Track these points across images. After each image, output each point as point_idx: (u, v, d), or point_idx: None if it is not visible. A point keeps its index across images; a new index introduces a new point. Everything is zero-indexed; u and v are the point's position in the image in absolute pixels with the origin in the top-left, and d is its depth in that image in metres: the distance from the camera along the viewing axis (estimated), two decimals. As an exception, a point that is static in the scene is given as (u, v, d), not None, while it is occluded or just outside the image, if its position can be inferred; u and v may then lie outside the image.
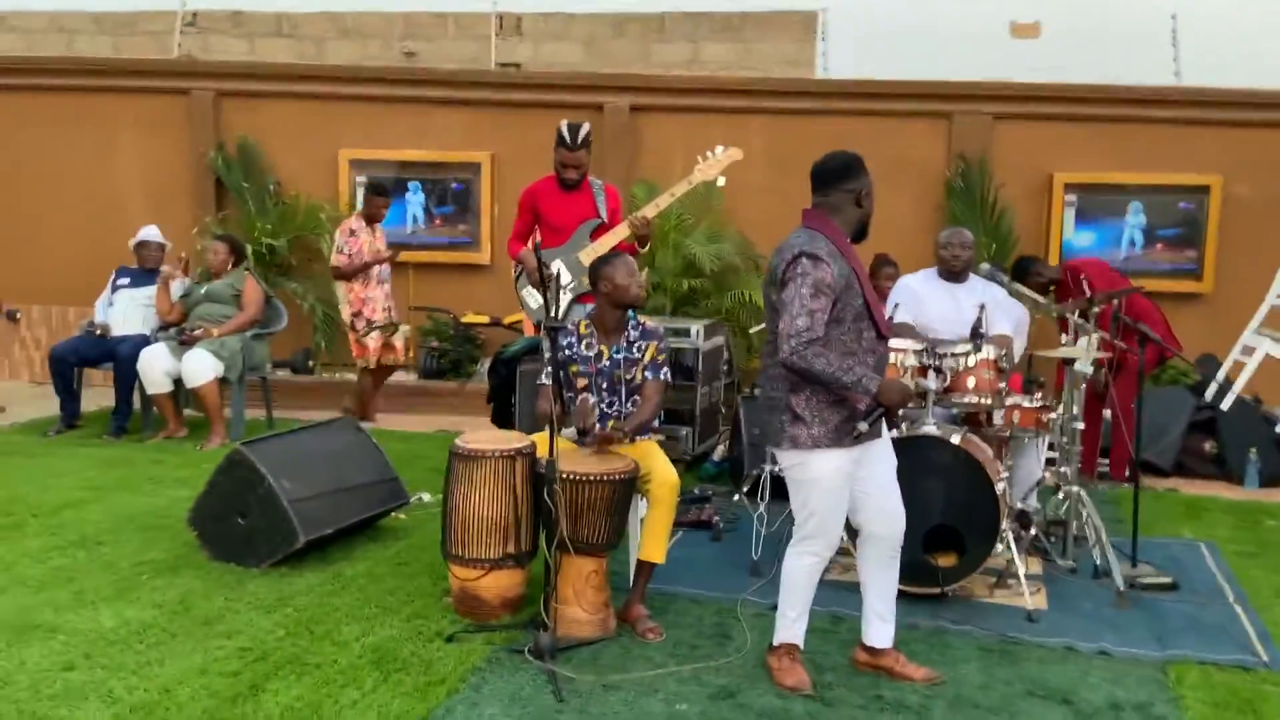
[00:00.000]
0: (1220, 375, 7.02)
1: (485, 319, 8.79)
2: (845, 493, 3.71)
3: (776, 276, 3.62)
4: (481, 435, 4.32)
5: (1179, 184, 8.83)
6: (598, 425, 4.50)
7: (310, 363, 9.29)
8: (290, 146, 9.49)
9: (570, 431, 4.22)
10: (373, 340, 7.79)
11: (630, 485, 4.15)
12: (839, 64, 10.60)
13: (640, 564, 4.31)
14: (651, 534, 4.26)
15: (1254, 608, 4.63)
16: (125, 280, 7.65)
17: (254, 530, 4.70)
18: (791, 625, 3.80)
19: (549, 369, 4.25)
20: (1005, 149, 8.99)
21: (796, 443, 3.61)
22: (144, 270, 7.58)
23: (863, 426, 3.56)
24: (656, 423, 4.67)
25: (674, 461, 6.65)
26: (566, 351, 4.58)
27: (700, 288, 8.73)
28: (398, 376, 9.39)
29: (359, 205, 9.39)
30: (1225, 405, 6.81)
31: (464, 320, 8.99)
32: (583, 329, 4.63)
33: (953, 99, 9.11)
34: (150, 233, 7.69)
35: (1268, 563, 5.27)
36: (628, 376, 4.54)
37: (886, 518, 3.81)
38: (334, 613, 4.25)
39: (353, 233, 7.74)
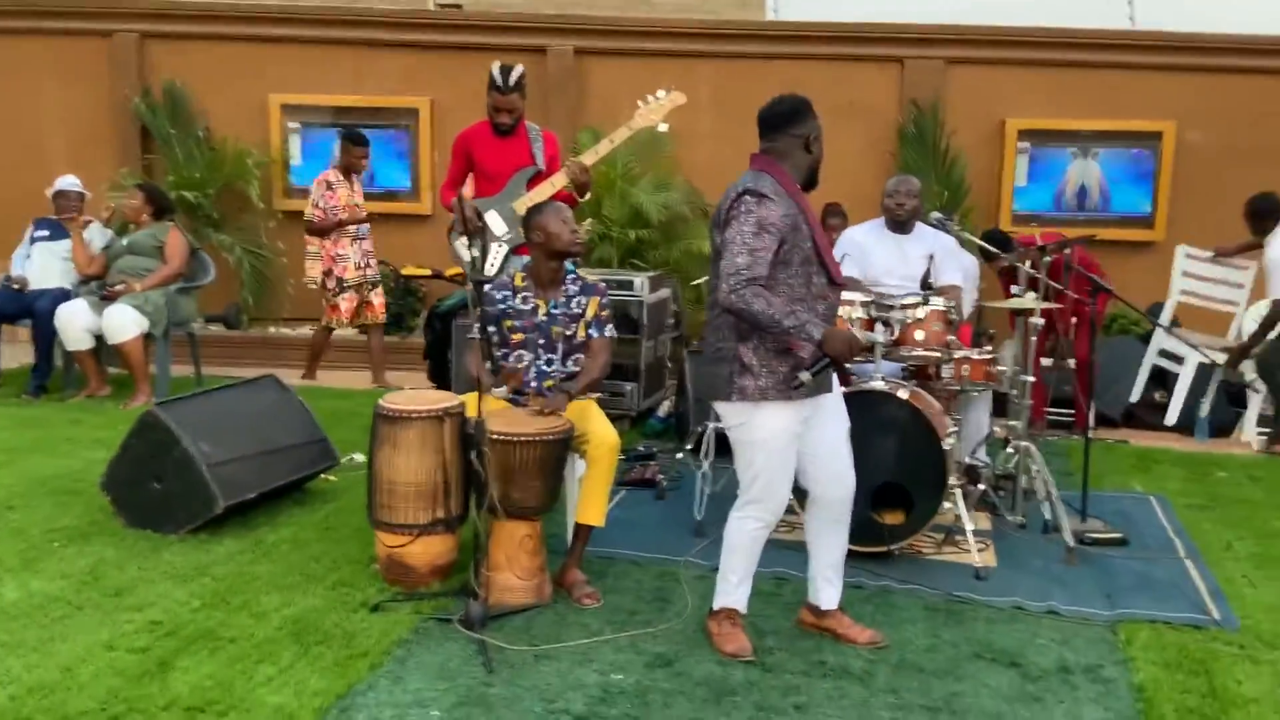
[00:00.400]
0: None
1: (426, 271, 8.49)
2: (792, 454, 3.54)
3: (721, 216, 3.44)
4: (407, 395, 4.10)
5: (1132, 130, 8.70)
6: (534, 386, 4.30)
7: (242, 317, 8.95)
8: (219, 91, 9.09)
9: (503, 390, 4.01)
10: (345, 301, 7.47)
11: (564, 445, 3.96)
12: (790, 7, 10.32)
13: (578, 527, 4.13)
14: (589, 496, 4.08)
15: (1206, 563, 4.55)
16: (44, 232, 7.29)
17: (170, 496, 4.46)
18: (733, 590, 3.65)
19: (477, 325, 4.01)
20: (958, 94, 8.80)
21: (745, 394, 3.43)
22: (62, 222, 7.22)
23: (804, 377, 3.36)
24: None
25: (618, 418, 6.56)
26: (501, 306, 4.37)
27: (647, 238, 8.51)
28: (337, 332, 9.13)
29: (291, 152, 9.10)
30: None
31: (404, 273, 8.70)
32: (519, 282, 4.41)
33: (905, 43, 8.90)
34: (68, 182, 7.31)
35: (1219, 516, 5.20)
36: (567, 333, 4.33)
37: (835, 481, 3.66)
38: (253, 582, 4.04)
39: (329, 186, 7.39)
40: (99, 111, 9.13)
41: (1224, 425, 6.97)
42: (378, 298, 7.65)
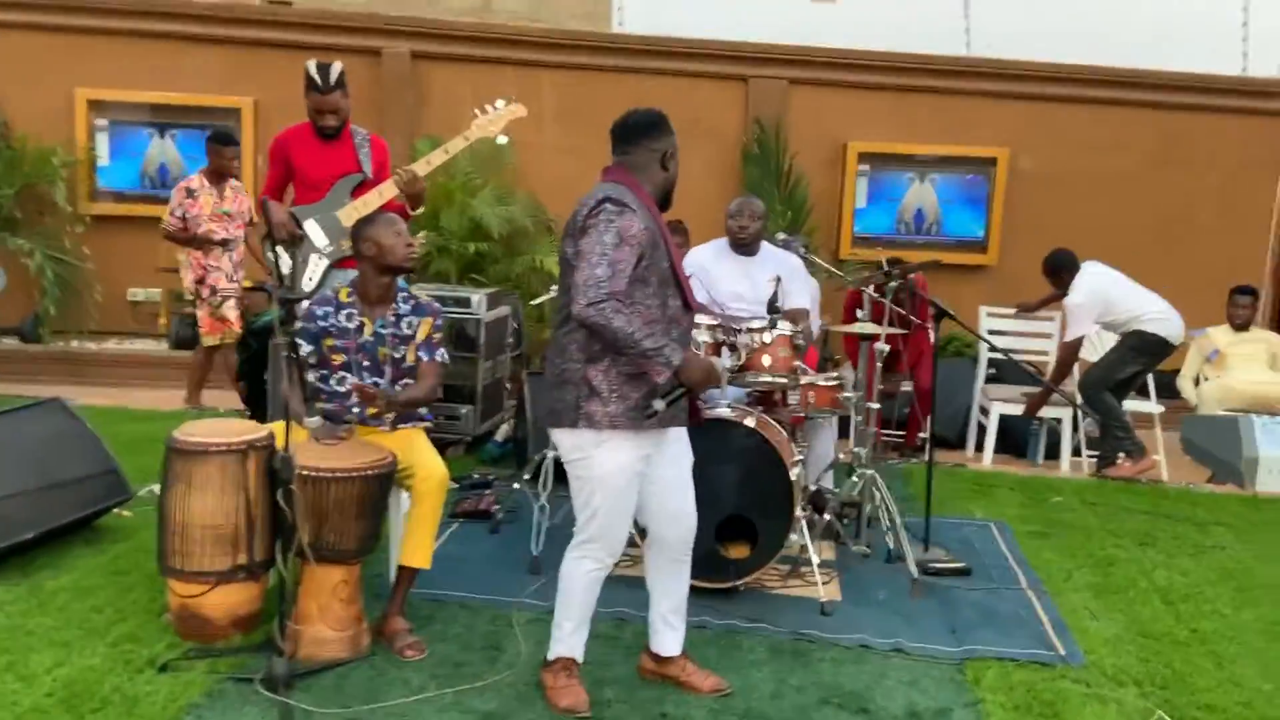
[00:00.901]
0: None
1: (247, 283, 7.93)
2: (633, 491, 3.29)
3: (576, 225, 3.16)
4: (206, 425, 3.68)
5: (968, 155, 8.84)
6: (355, 413, 3.93)
7: (40, 329, 8.20)
8: (20, 84, 8.33)
9: (316, 420, 3.63)
10: (230, 311, 6.87)
11: (385, 481, 3.61)
12: (635, 21, 10.17)
13: (401, 570, 3.78)
14: (414, 536, 3.74)
15: (1047, 592, 4.51)
16: None
17: (-70, 538, 3.91)
18: (568, 637, 3.37)
19: (285, 344, 3.62)
20: (801, 115, 8.79)
21: (592, 421, 3.16)
22: None
23: (659, 406, 3.12)
24: (425, 411, 4.12)
25: (453, 443, 6.21)
26: (322, 323, 3.99)
27: (488, 252, 8.16)
28: (145, 346, 8.51)
29: (99, 151, 8.42)
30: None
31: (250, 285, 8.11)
32: (344, 297, 4.04)
33: (749, 61, 8.84)
34: None
35: (1058, 543, 5.20)
36: (395, 355, 3.98)
37: (677, 519, 3.42)
38: (24, 638, 3.54)
39: (190, 193, 6.75)
40: (-121, 104, 8.25)
41: (1055, 445, 7.07)
42: (233, 311, 7.01)
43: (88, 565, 4.18)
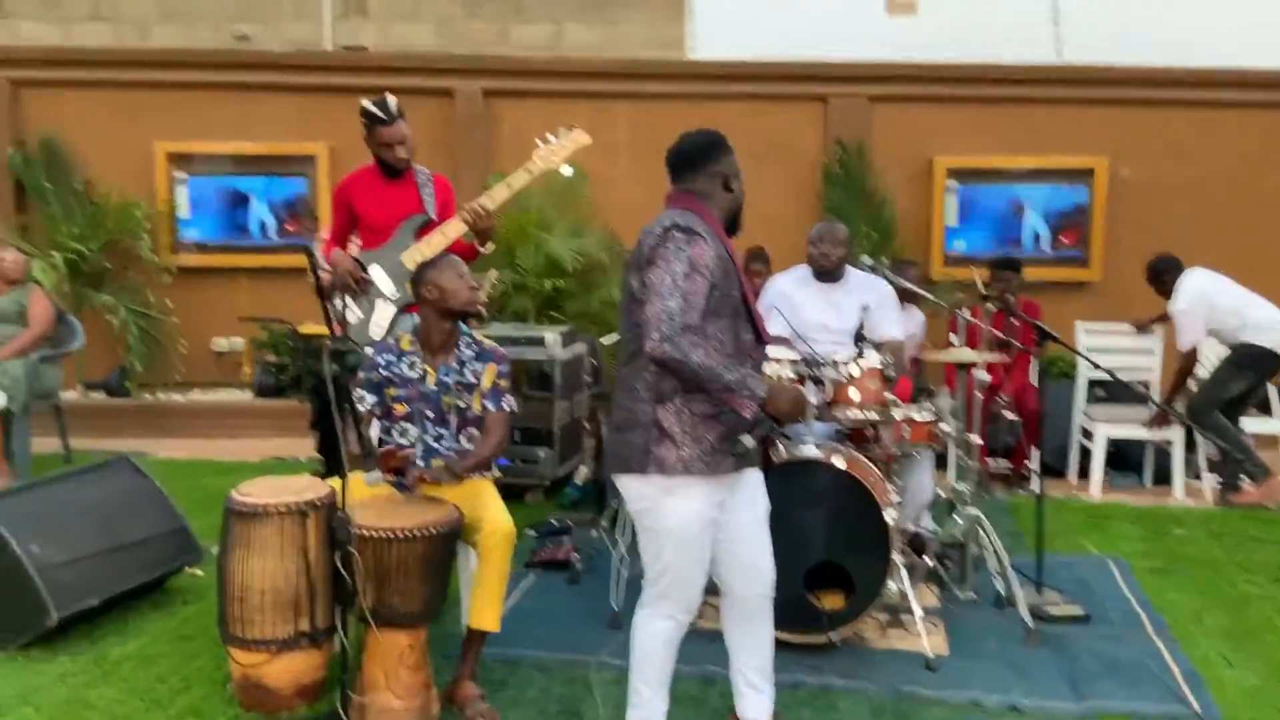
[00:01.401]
0: None
1: (327, 330, 7.87)
2: (706, 542, 3.03)
3: (641, 257, 2.94)
4: (266, 484, 3.51)
5: (1063, 167, 8.42)
6: (421, 465, 3.75)
7: (126, 383, 8.26)
8: (101, 140, 8.42)
9: (375, 476, 3.44)
10: None
11: (450, 540, 3.40)
12: (710, 46, 9.94)
13: (469, 632, 3.56)
14: (480, 596, 3.52)
15: (1175, 638, 4.11)
16: (-105, 297, 6.57)
17: (-4, 605, 3.82)
18: (646, 704, 3.11)
19: (334, 396, 3.40)
20: (884, 133, 8.47)
21: (664, 466, 2.91)
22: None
23: (748, 442, 2.89)
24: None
25: (531, 488, 6.01)
26: (384, 372, 3.83)
27: (564, 288, 8.00)
28: (230, 395, 8.51)
29: (179, 203, 8.48)
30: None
31: (303, 331, 8.07)
32: (405, 344, 3.88)
33: (828, 80, 8.55)
34: (-77, 243, 6.62)
35: (1183, 581, 4.78)
36: (460, 404, 3.80)
37: (752, 574, 3.16)
38: (85, 712, 3.42)
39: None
40: (-31, 166, 8.41)
41: (1164, 469, 6.60)
42: None
43: (155, 630, 4.06)
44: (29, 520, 3.92)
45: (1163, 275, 6.38)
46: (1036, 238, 8.48)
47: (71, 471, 4.47)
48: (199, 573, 4.55)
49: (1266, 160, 8.34)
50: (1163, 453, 6.56)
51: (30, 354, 6.26)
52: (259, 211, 8.61)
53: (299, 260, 8.05)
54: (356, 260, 4.68)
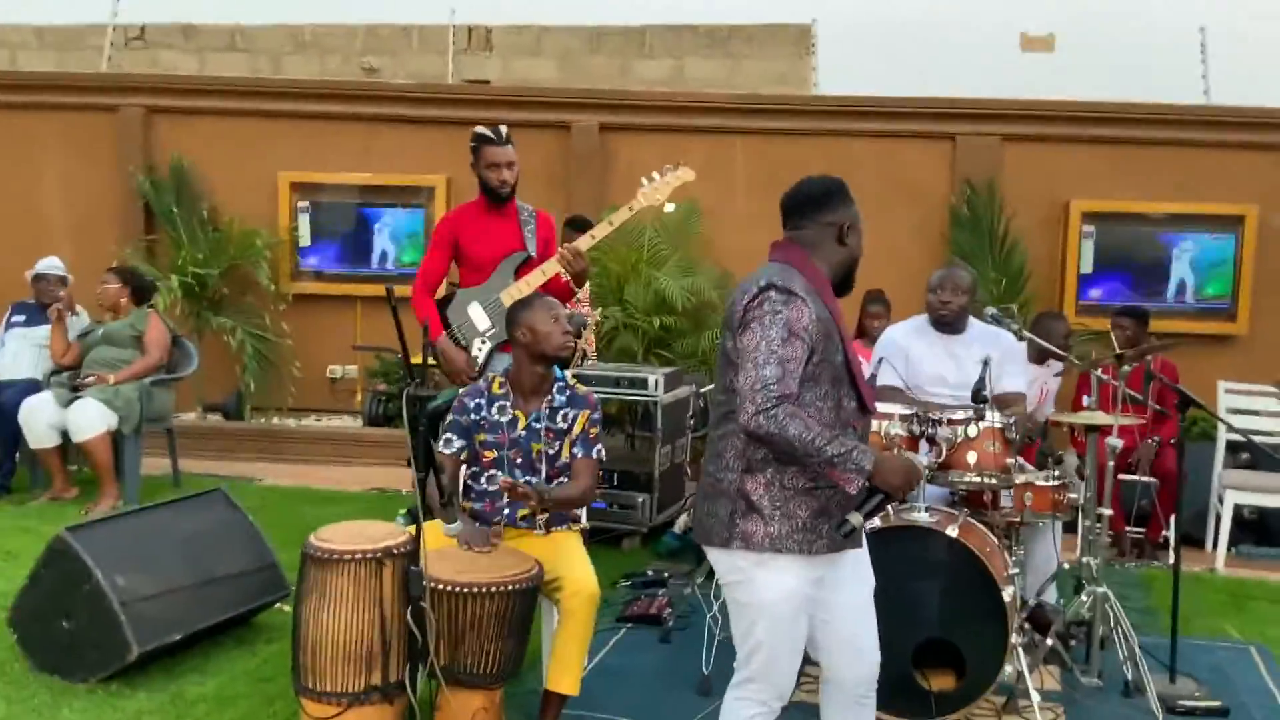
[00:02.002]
0: None
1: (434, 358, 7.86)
2: (802, 621, 2.78)
3: (735, 318, 2.72)
4: (345, 529, 3.39)
5: (1211, 213, 7.90)
6: (506, 514, 3.60)
7: (242, 406, 8.38)
8: (227, 168, 8.62)
9: (457, 526, 3.29)
10: None
11: (530, 596, 3.24)
12: (834, 80, 9.74)
13: (547, 695, 3.38)
14: (560, 657, 3.34)
15: (1328, 745, 3.69)
16: (20, 317, 6.77)
17: (79, 637, 3.79)
18: (733, 793, 2.87)
19: (416, 441, 3.25)
20: (1016, 174, 8.08)
21: (749, 542, 2.68)
22: (42, 306, 6.69)
23: (856, 520, 2.63)
24: (581, 512, 3.76)
25: (628, 534, 5.83)
26: (474, 416, 3.69)
27: (674, 326, 7.82)
28: (343, 423, 8.57)
29: (301, 232, 8.60)
30: None
31: (414, 361, 8.06)
32: (495, 388, 3.74)
33: (957, 118, 8.22)
34: (49, 264, 6.81)
35: (1335, 676, 4.32)
36: (550, 451, 3.64)
37: (856, 657, 2.89)
38: (156, 755, 3.33)
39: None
40: (102, 189, 8.65)
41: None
42: None
43: (235, 669, 3.98)
44: (118, 551, 3.89)
45: None
46: (1181, 288, 7.96)
47: (167, 502, 4.45)
48: (287, 609, 4.46)
49: None
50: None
51: (143, 379, 6.34)
52: (379, 241, 8.69)
53: (406, 289, 8.14)
54: (470, 359, 4.56)
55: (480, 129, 4.58)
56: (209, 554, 4.19)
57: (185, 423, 7.89)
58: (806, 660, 2.92)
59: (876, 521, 2.71)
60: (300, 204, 8.63)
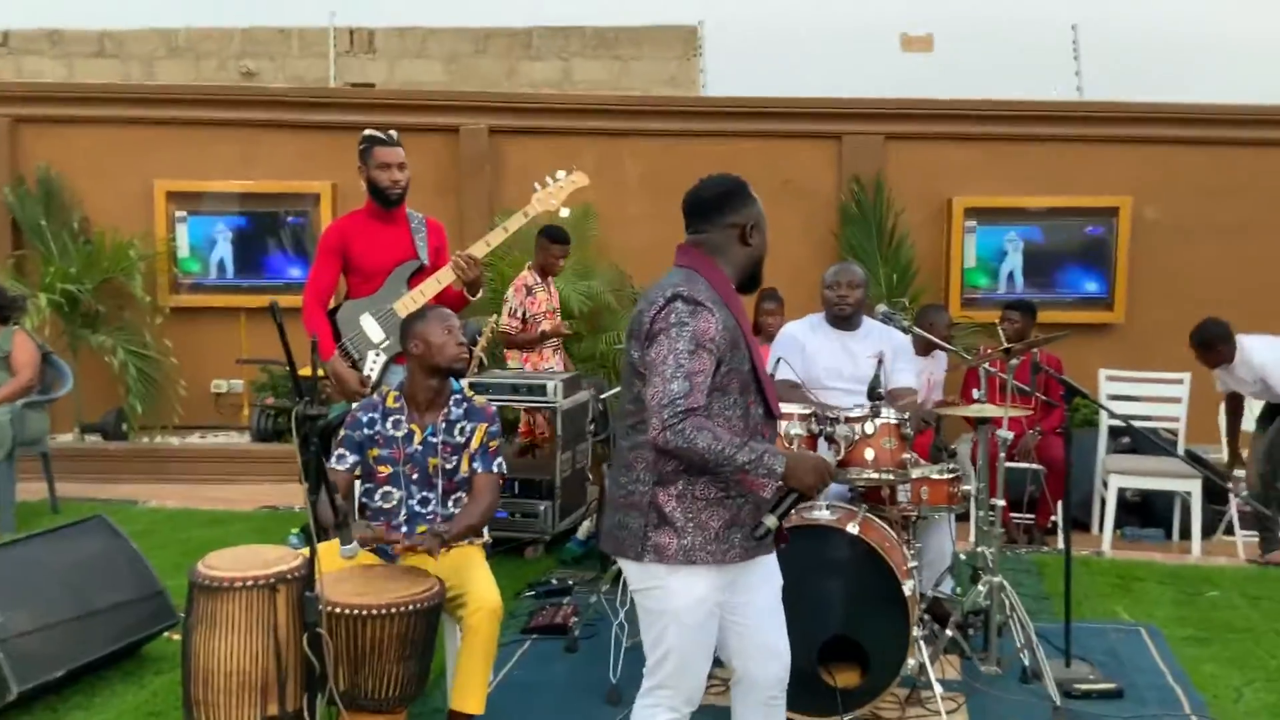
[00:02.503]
0: None
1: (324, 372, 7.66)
2: (712, 627, 2.77)
3: (642, 330, 2.68)
4: (234, 555, 3.26)
5: (1086, 206, 8.18)
6: (404, 532, 3.51)
7: (124, 426, 8.05)
8: (99, 178, 8.27)
9: (353, 549, 3.18)
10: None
11: (432, 615, 3.16)
12: (721, 82, 9.81)
13: (451, 715, 3.31)
14: (464, 676, 3.29)
15: (1215, 719, 3.82)
16: (-125, 342, 6.39)
17: (-48, 679, 3.58)
18: (644, 802, 2.84)
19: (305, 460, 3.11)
20: (900, 171, 8.24)
21: (663, 555, 2.66)
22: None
23: (771, 523, 2.65)
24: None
25: (531, 543, 5.76)
26: (367, 430, 3.59)
27: (571, 331, 7.76)
28: (228, 439, 8.30)
29: (179, 243, 8.30)
30: None
31: (302, 374, 7.84)
32: (390, 402, 3.65)
33: (842, 118, 8.35)
34: (-100, 285, 6.45)
35: (1221, 651, 4.48)
36: (447, 466, 3.55)
37: (768, 656, 2.89)
38: (38, 801, 3.16)
39: (529, 291, 6.35)
40: (-35, 203, 8.27)
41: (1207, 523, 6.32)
42: None
43: (122, 705, 3.80)
44: (-9, 586, 3.69)
45: (1215, 342, 5.85)
46: (1056, 279, 8.22)
47: (44, 531, 4.24)
48: (176, 637, 4.29)
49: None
50: (1184, 505, 6.28)
51: (14, 401, 6.04)
52: (260, 250, 8.44)
53: (292, 299, 7.94)
54: (361, 378, 4.42)
55: (370, 131, 4.47)
56: (90, 584, 4.00)
57: (62, 445, 7.56)
58: (715, 663, 2.91)
59: (776, 520, 2.70)
60: (178, 214, 8.33)
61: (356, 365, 4.44)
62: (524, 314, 6.34)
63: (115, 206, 8.23)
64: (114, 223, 8.16)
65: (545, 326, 6.39)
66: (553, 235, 6.44)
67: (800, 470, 2.65)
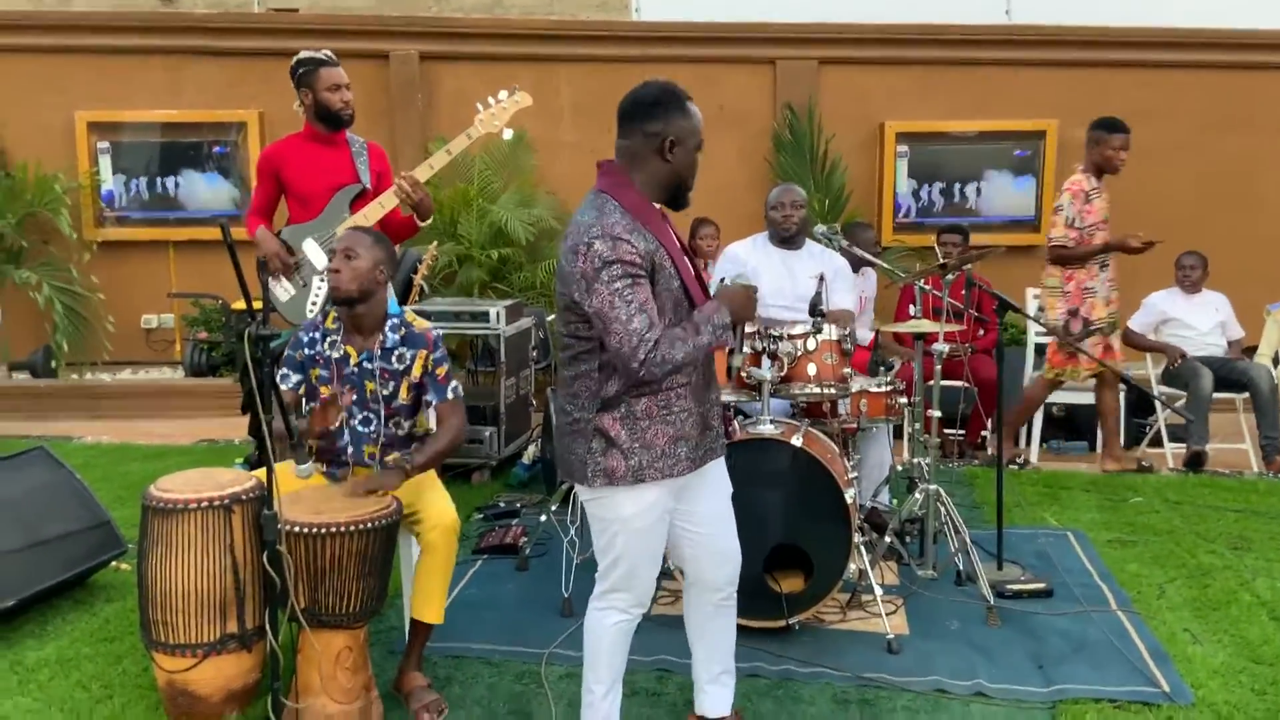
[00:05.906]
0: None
1: (259, 305, 7.56)
2: (662, 531, 2.85)
3: (572, 276, 2.67)
4: (186, 478, 3.28)
5: (1015, 129, 8.31)
6: (350, 454, 3.52)
7: (52, 363, 7.90)
8: (17, 109, 8.03)
9: (308, 468, 3.19)
10: (1092, 346, 5.75)
11: (389, 533, 3.19)
12: (653, 8, 9.71)
13: (414, 624, 3.37)
14: (424, 589, 3.33)
15: (1139, 614, 4.03)
16: None
17: (-100, 611, 3.56)
18: (600, 702, 2.94)
19: (255, 380, 3.10)
20: (833, 97, 8.30)
21: (613, 477, 2.72)
22: None
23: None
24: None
25: (478, 468, 5.80)
26: (308, 351, 3.57)
27: (512, 258, 7.76)
28: (162, 374, 8.19)
29: (103, 175, 8.09)
30: None
31: (235, 307, 7.76)
32: (329, 323, 3.62)
33: (776, 42, 8.36)
34: None
35: (1144, 552, 4.70)
36: (384, 392, 3.53)
37: (720, 559, 2.99)
38: (-3, 725, 3.18)
39: (1087, 197, 5.64)
40: (-126, 136, 7.96)
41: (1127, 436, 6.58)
42: (1116, 339, 6.02)
43: (75, 631, 3.81)
44: (-66, 519, 3.66)
45: None
46: (985, 201, 8.38)
47: (-19, 464, 4.18)
48: (125, 567, 4.30)
49: (1224, 123, 8.30)
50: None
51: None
52: (187, 181, 8.25)
53: (217, 232, 7.77)
54: (284, 241, 4.42)
55: (307, 53, 4.40)
56: (35, 515, 3.98)
57: (-11, 383, 7.42)
58: (666, 575, 3.00)
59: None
60: (100, 145, 8.12)
61: (298, 296, 4.42)
62: (1080, 224, 5.72)
63: (35, 139, 8.00)
64: (35, 155, 7.94)
65: (1103, 238, 5.72)
66: (1111, 125, 5.72)
67: (737, 307, 2.81)
